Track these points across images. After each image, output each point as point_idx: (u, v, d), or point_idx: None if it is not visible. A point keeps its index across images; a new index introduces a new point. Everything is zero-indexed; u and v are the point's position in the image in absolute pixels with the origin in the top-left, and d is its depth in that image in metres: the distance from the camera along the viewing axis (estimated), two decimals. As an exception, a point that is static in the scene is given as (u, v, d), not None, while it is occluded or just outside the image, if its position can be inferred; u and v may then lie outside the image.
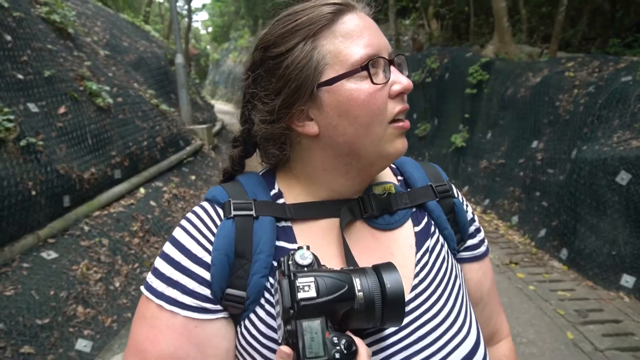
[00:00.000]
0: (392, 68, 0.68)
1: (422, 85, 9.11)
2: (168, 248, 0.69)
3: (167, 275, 0.67)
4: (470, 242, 0.82)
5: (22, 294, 2.81)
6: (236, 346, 0.69)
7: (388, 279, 0.58)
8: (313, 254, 0.60)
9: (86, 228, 3.82)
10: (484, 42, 8.77)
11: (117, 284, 3.54)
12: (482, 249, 0.84)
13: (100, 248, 3.72)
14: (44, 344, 2.64)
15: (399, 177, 0.82)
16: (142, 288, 0.69)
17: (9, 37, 4.10)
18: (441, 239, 0.77)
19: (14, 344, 2.50)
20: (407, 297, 0.69)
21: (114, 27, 8.57)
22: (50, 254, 3.30)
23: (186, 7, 21.59)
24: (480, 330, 0.74)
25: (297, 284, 0.55)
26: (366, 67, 0.65)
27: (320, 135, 0.69)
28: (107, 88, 5.33)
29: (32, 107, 3.93)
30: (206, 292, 0.66)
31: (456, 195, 0.81)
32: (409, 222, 0.76)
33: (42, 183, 3.52)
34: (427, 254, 0.74)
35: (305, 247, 0.60)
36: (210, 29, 38.85)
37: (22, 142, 3.45)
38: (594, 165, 4.11)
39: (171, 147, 6.47)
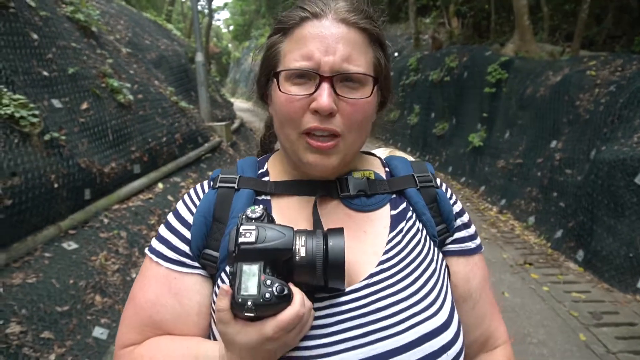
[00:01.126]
0: (324, 85, 0.68)
1: (441, 84, 9.05)
2: (169, 214, 0.82)
3: (161, 233, 0.79)
4: (456, 235, 0.83)
5: (44, 282, 2.92)
6: (211, 303, 0.76)
7: (332, 241, 0.63)
8: (266, 212, 0.66)
9: (105, 220, 3.95)
10: (504, 40, 8.65)
11: (134, 275, 3.65)
12: (470, 244, 0.84)
13: (118, 240, 3.84)
14: (62, 330, 2.75)
15: (386, 169, 0.87)
16: (146, 248, 0.80)
17: (35, 36, 4.25)
18: (418, 224, 0.79)
19: (35, 329, 2.61)
20: (372, 270, 0.73)
21: (137, 26, 8.76)
22: (70, 245, 3.42)
23: (208, 6, 21.86)
24: (456, 318, 0.75)
25: (240, 230, 0.61)
26: (276, 75, 0.71)
27: (273, 119, 0.79)
28: (128, 85, 5.47)
29: (56, 103, 4.08)
30: (185, 248, 0.76)
31: (439, 186, 0.84)
32: (387, 206, 0.80)
33: (64, 176, 3.65)
34: (400, 235, 0.77)
35: (259, 205, 0.67)
36: (231, 28, 39.23)
37: (46, 137, 3.58)
38: (613, 166, 4.03)
39: (190, 143, 6.59)
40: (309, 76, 0.70)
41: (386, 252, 0.75)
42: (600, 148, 4.50)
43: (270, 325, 0.59)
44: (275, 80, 0.72)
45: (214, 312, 0.74)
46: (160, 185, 5.19)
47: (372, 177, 0.81)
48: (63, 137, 3.80)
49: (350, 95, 0.70)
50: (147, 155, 5.21)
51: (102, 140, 4.49)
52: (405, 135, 10.64)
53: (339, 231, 0.65)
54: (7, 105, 3.32)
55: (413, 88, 10.57)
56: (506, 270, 4.28)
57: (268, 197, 0.79)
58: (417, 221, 0.80)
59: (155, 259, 0.76)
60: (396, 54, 13.45)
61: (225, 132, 8.42)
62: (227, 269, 0.72)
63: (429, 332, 0.69)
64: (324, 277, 0.63)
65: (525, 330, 3.27)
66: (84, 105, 4.44)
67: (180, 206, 0.80)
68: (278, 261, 0.62)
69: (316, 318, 0.68)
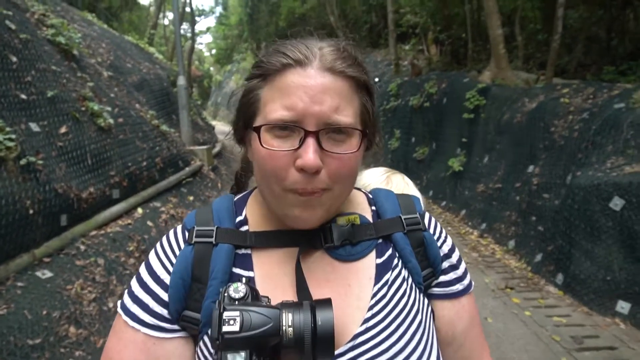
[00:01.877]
0: (309, 141, 0.63)
1: (421, 109, 9.24)
2: (141, 268, 0.75)
3: (135, 293, 0.72)
4: (442, 279, 0.80)
5: (15, 313, 2.80)
6: None
7: (320, 316, 0.60)
8: (250, 287, 0.62)
9: (82, 247, 3.83)
10: (481, 67, 8.92)
11: (111, 304, 3.53)
12: (457, 287, 0.81)
13: (95, 268, 3.72)
14: (34, 365, 2.63)
15: (373, 207, 0.82)
16: (118, 302, 0.74)
17: (14, 58, 4.19)
18: (404, 272, 0.76)
19: (4, 363, 2.49)
20: (357, 330, 0.70)
21: (119, 49, 8.74)
22: (45, 273, 3.30)
23: (190, 30, 22.02)
24: None
25: (224, 317, 0.58)
26: (258, 129, 0.66)
27: (253, 166, 0.74)
28: (109, 108, 5.41)
29: (34, 127, 3.99)
30: (164, 312, 0.71)
31: (427, 228, 0.80)
32: (372, 254, 0.76)
33: (40, 202, 3.55)
34: (386, 287, 0.73)
35: (241, 282, 0.63)
36: (214, 51, 39.50)
37: (22, 161, 3.50)
38: (588, 191, 4.14)
39: (170, 167, 6.52)
40: (292, 128, 0.65)
41: (371, 307, 0.71)
42: (576, 173, 4.62)
43: None
44: (255, 132, 0.67)
45: None
46: (139, 210, 5.09)
47: (358, 221, 0.77)
48: (40, 162, 3.71)
49: (337, 150, 0.65)
50: (126, 179, 5.13)
51: (81, 164, 4.40)
52: (386, 159, 10.75)
53: (327, 304, 0.62)
54: (-17, 130, 3.25)
55: (394, 113, 10.75)
56: (488, 294, 4.30)
57: (249, 251, 0.74)
58: (403, 269, 0.76)
59: (131, 323, 0.71)
60: (377, 79, 13.72)
61: (207, 156, 8.37)
62: (207, 340, 0.70)
63: None
64: (312, 354, 0.60)
65: (509, 356, 3.27)
66: (63, 129, 4.36)
67: (153, 261, 0.74)
68: (265, 346, 0.59)
69: None
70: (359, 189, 0.87)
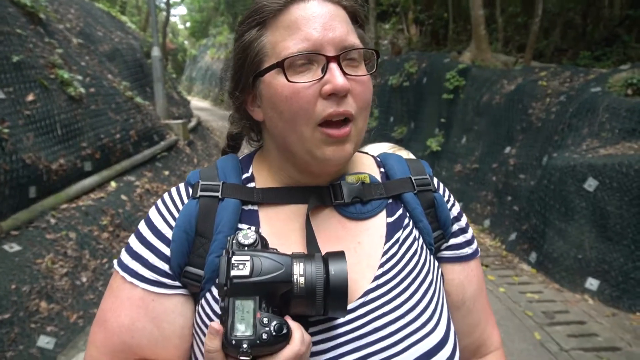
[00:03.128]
0: (332, 66, 0.62)
1: (400, 89, 9.21)
2: (141, 224, 0.72)
3: (134, 249, 0.69)
4: (452, 241, 0.79)
5: (-19, 287, 2.68)
6: (193, 324, 0.69)
7: (334, 267, 0.57)
8: (260, 236, 0.59)
9: (53, 221, 3.69)
10: (461, 49, 8.93)
11: (84, 279, 3.42)
12: (467, 250, 0.80)
13: (67, 242, 3.59)
14: (3, 340, 2.53)
15: (381, 169, 0.81)
16: (114, 261, 0.70)
17: (-25, 19, 3.92)
18: (415, 232, 0.75)
19: (-29, 339, 2.38)
20: (368, 286, 0.68)
21: (89, 16, 8.32)
22: (13, 247, 3.16)
23: (164, 0, 21.22)
24: (452, 330, 0.72)
25: (233, 262, 0.54)
26: (281, 63, 0.63)
27: (265, 123, 0.71)
28: (80, 77, 5.17)
29: (-1, 93, 3.77)
30: (165, 267, 0.68)
31: (438, 190, 0.79)
32: (383, 213, 0.74)
33: (6, 172, 3.38)
34: (397, 245, 0.72)
35: (251, 228, 0.60)
36: (188, 24, 38.30)
37: (-14, 129, 3.31)
38: (564, 172, 4.23)
39: (145, 141, 6.32)
40: (311, 60, 0.63)
41: (382, 265, 0.70)
42: (552, 154, 4.71)
43: None
44: (272, 75, 0.64)
45: (196, 333, 0.68)
46: (113, 184, 4.93)
47: (367, 180, 0.75)
48: (6, 130, 3.52)
49: (357, 73, 0.65)
50: (99, 152, 4.94)
51: (50, 134, 4.20)
52: (364, 138, 10.73)
53: (340, 255, 0.59)
54: (-58, 93, 3.03)
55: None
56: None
57: (255, 207, 0.71)
58: (414, 229, 0.75)
59: (129, 278, 0.68)
60: (356, 57, 13.61)
61: (182, 130, 8.16)
62: (214, 291, 0.66)
63: (428, 350, 0.66)
64: (324, 307, 0.57)
65: (484, 331, 3.35)
66: (30, 97, 4.13)
67: (154, 216, 0.71)
68: (275, 294, 0.55)
69: (312, 344, 0.62)
70: (367, 153, 0.85)
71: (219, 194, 0.69)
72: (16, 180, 3.48)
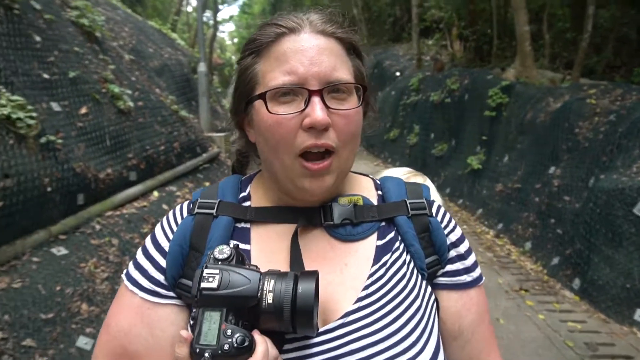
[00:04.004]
0: (314, 99, 0.64)
1: (441, 105, 9.10)
2: (147, 237, 0.76)
3: (138, 259, 0.75)
4: (448, 268, 0.77)
5: (29, 288, 2.85)
6: None
7: (302, 286, 0.58)
8: (237, 252, 0.62)
9: (97, 227, 3.88)
10: (505, 65, 8.73)
11: (123, 285, 3.57)
12: (465, 278, 0.78)
13: (109, 247, 3.77)
14: (45, 339, 2.67)
15: (379, 192, 0.81)
16: (124, 271, 0.75)
17: (38, 38, 4.24)
18: (405, 256, 0.74)
19: (16, 336, 2.53)
20: (349, 308, 0.68)
21: (141, 34, 8.80)
22: (60, 250, 3.35)
23: (213, 17, 22.09)
24: (440, 357, 0.70)
25: (204, 274, 0.57)
26: (263, 95, 0.66)
27: (257, 145, 0.73)
28: (129, 92, 5.45)
29: (55, 106, 4.04)
30: (160, 277, 0.73)
31: (432, 214, 0.78)
32: (374, 236, 0.74)
33: (58, 180, 3.60)
34: (383, 269, 0.72)
35: (229, 245, 0.62)
36: (235, 40, 39.60)
37: (42, 140, 3.54)
38: (611, 195, 4.02)
39: (188, 153, 6.55)
40: (296, 92, 0.65)
41: (366, 287, 0.70)
42: (599, 176, 4.49)
43: None
44: (260, 102, 0.67)
45: None
46: (155, 193, 5.13)
47: (360, 202, 0.75)
48: (60, 141, 3.75)
49: (341, 107, 0.66)
50: (144, 162, 5.17)
51: (99, 145, 4.45)
52: (404, 154, 10.65)
53: (311, 275, 0.60)
54: (4, 106, 3.28)
55: (414, 108, 10.62)
56: (501, 295, 4.22)
57: (248, 225, 0.74)
58: (405, 253, 0.74)
59: (130, 287, 0.73)
60: (398, 73, 13.58)
61: (224, 143, 8.39)
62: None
63: None
64: (292, 324, 0.58)
65: (520, 359, 3.21)
66: (83, 110, 4.41)
67: (157, 231, 0.76)
68: (242, 307, 0.58)
69: None
70: (367, 175, 0.86)
71: (213, 212, 0.73)
72: (66, 188, 3.70)
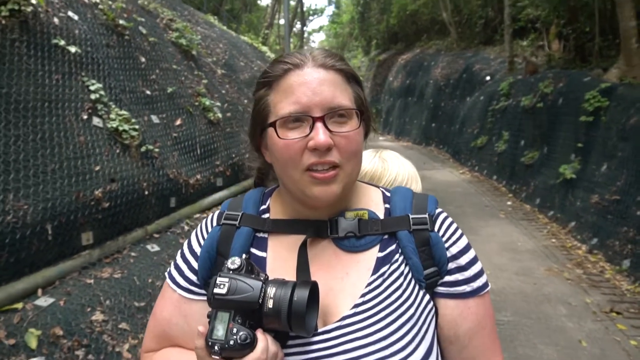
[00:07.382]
0: (317, 125, 0.75)
1: (533, 111, 8.56)
2: (185, 242, 0.92)
3: (177, 260, 0.90)
4: (447, 278, 0.82)
5: (127, 278, 3.28)
6: None
7: (297, 293, 0.69)
8: (247, 263, 0.73)
9: (186, 227, 4.31)
10: (607, 65, 7.98)
11: (206, 280, 3.93)
12: (464, 288, 0.83)
13: (195, 246, 4.16)
14: (137, 324, 3.05)
15: (386, 205, 0.88)
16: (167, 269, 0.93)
17: (143, 59, 4.84)
18: (403, 268, 0.81)
19: (115, 319, 2.94)
20: (346, 313, 0.77)
21: (234, 48, 9.48)
22: (153, 247, 3.80)
23: (304, 28, 22.93)
24: None
25: (217, 282, 0.70)
26: (273, 124, 0.77)
27: (272, 165, 0.85)
28: (219, 104, 5.96)
29: (154, 119, 4.58)
30: (194, 277, 0.87)
31: (434, 229, 0.83)
32: (376, 248, 0.82)
33: (154, 185, 4.08)
34: (381, 279, 0.79)
35: (241, 256, 0.73)
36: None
37: (143, 149, 4.04)
38: None
39: (271, 159, 6.93)
40: (302, 119, 0.76)
41: (363, 294, 0.78)
42: None
43: None
44: (272, 129, 0.79)
45: None
46: (239, 197, 5.53)
47: (366, 217, 0.83)
48: (157, 150, 4.25)
49: (342, 130, 0.77)
50: (230, 169, 5.60)
51: (191, 154, 4.93)
52: (492, 162, 10.16)
53: (307, 284, 0.71)
54: (114, 120, 3.82)
55: (503, 113, 10.10)
56: (587, 316, 3.90)
57: (265, 235, 0.86)
58: (404, 265, 0.81)
59: (171, 284, 0.88)
60: (488, 77, 12.97)
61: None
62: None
63: None
64: (289, 325, 0.69)
65: (602, 386, 2.96)
66: (178, 122, 4.92)
67: (192, 237, 0.90)
68: (247, 310, 0.70)
69: (288, 355, 0.75)
70: (377, 186, 0.94)
71: (237, 223, 0.86)
72: (161, 192, 4.17)
